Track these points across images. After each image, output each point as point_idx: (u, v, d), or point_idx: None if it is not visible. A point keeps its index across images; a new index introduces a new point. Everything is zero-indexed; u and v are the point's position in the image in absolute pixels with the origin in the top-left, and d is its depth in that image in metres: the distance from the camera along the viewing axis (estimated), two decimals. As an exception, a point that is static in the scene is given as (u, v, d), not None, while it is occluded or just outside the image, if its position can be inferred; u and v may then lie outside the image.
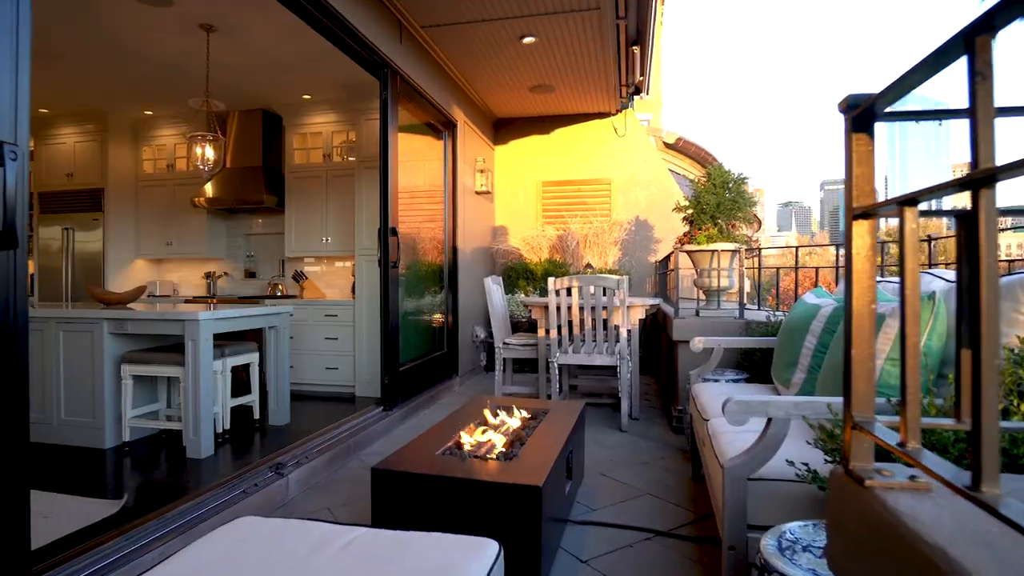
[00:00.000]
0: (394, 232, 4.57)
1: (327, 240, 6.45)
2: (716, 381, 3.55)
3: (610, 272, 6.99)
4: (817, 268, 4.73)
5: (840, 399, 1.70)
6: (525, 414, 3.04)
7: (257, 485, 2.91)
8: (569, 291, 4.58)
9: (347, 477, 3.47)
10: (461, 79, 6.40)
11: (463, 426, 2.81)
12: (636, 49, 5.85)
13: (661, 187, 7.74)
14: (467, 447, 2.51)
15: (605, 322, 4.63)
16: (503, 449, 2.50)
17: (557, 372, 4.60)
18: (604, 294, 4.54)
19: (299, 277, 6.69)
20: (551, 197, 8.02)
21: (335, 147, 6.43)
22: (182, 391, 3.81)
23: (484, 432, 2.71)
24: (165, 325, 3.88)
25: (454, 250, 6.32)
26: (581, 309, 4.62)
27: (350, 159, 6.26)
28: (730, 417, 1.70)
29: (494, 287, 5.27)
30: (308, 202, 6.50)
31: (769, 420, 1.70)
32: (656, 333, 6.42)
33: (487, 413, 3.00)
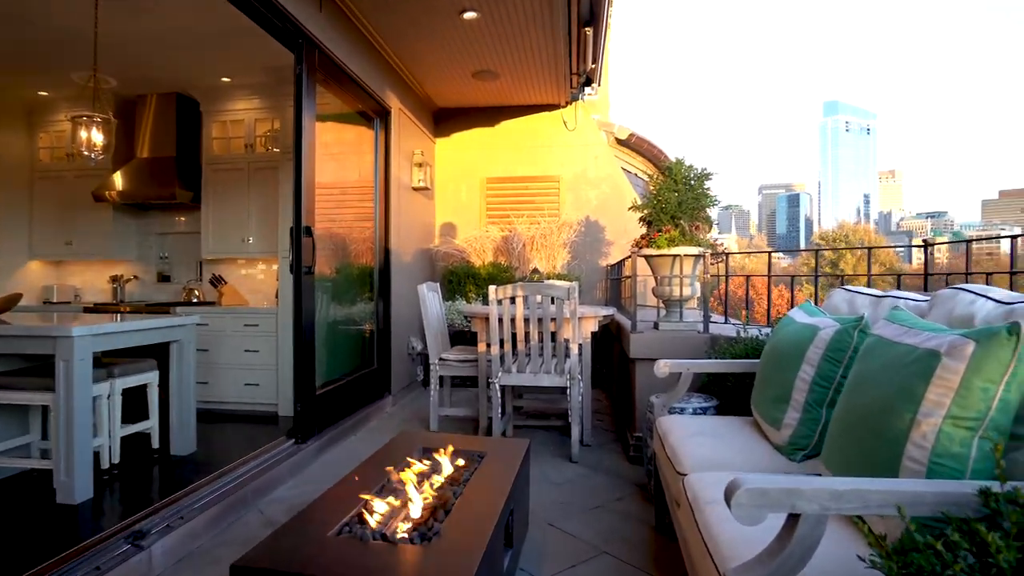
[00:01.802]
0: (308, 232, 3.88)
1: (249, 240, 5.69)
2: (681, 411, 3.04)
3: (558, 277, 6.47)
4: (793, 277, 4.30)
5: (911, 484, 1.18)
6: (459, 461, 2.44)
7: (100, 569, 2.20)
8: (513, 300, 4.00)
9: (241, 538, 2.78)
10: (396, 60, 5.73)
11: (378, 479, 2.19)
12: (589, 31, 5.33)
13: (613, 186, 7.27)
14: (374, 518, 1.89)
15: (553, 336, 4.08)
16: (422, 521, 1.89)
17: (499, 394, 4.01)
18: (552, 304, 3.99)
19: (217, 282, 5.88)
20: (496, 195, 7.43)
21: (258, 136, 5.68)
22: (52, 422, 3.07)
23: (401, 493, 2.09)
24: (30, 343, 3.13)
25: (386, 252, 5.65)
26: (527, 321, 4.05)
27: (274, 150, 5.52)
28: (740, 513, 1.15)
29: (429, 295, 4.64)
30: (228, 198, 5.71)
31: (797, 517, 1.15)
32: (608, 343, 5.93)
33: (412, 460, 2.39)
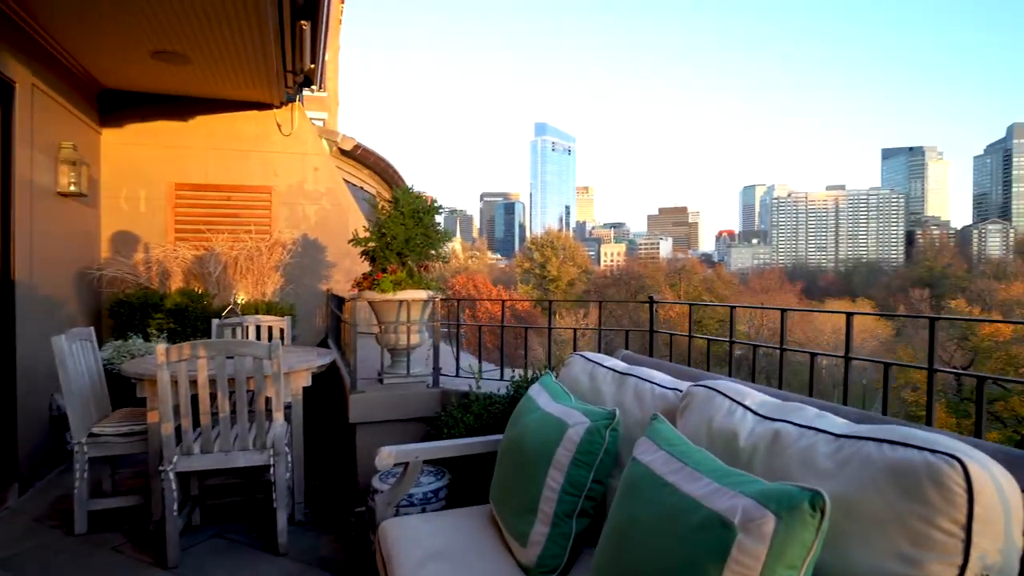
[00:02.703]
0: None
1: None
2: (409, 500, 2.56)
3: (269, 306, 5.51)
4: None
5: None
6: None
7: None
8: (194, 359, 3.08)
9: None
10: (25, 15, 4.18)
11: None
12: (306, 25, 4.56)
13: (335, 201, 6.54)
14: None
15: (253, 399, 3.26)
16: None
17: (174, 484, 3.03)
18: (252, 362, 3.17)
19: None
20: (189, 205, 6.10)
21: None
22: None
23: None
24: None
25: (7, 281, 4.08)
26: (213, 381, 3.16)
27: None
28: None
29: (70, 348, 3.38)
30: None
31: None
32: (331, 379, 5.20)
33: None
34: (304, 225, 6.37)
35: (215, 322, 4.40)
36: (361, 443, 3.24)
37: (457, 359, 3.64)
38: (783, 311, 2.29)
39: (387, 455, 2.29)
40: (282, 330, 4.70)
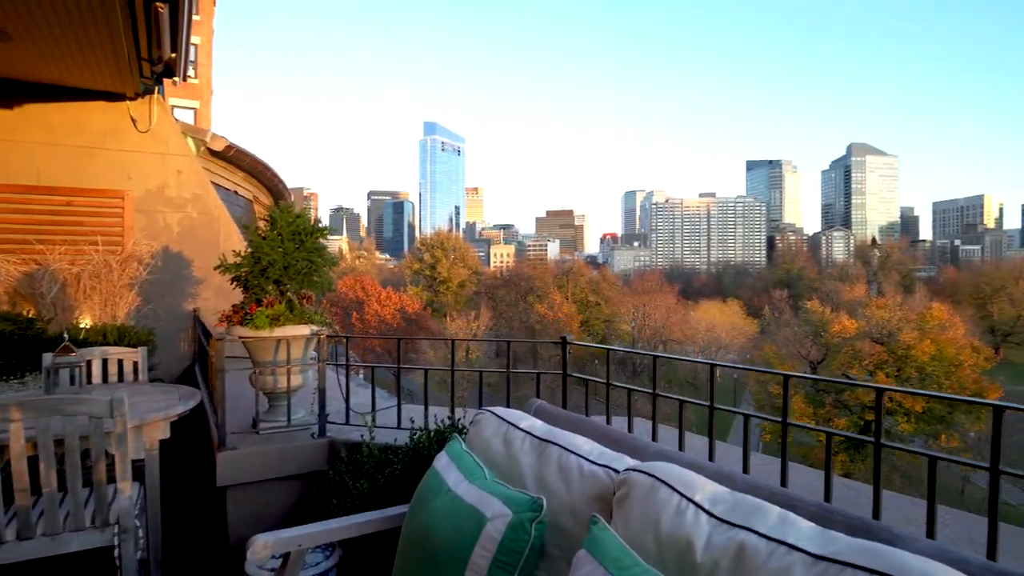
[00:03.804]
0: None
1: None
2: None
3: (121, 331, 4.72)
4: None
5: None
6: None
7: None
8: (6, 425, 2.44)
9: None
10: None
11: None
12: (163, 8, 3.91)
13: (203, 208, 5.80)
14: None
15: (90, 468, 2.66)
16: None
17: (-22, 584, 2.39)
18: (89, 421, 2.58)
19: None
20: (14, 211, 5.12)
21: None
22: None
23: None
24: None
25: None
26: (34, 444, 2.53)
27: None
28: None
29: None
30: None
31: None
32: (199, 421, 4.53)
33: None
34: (165, 236, 5.58)
35: (46, 359, 3.63)
36: (233, 510, 2.74)
37: (347, 396, 3.21)
38: (786, 376, 2.08)
39: (262, 547, 1.86)
40: (136, 363, 4.00)
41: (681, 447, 2.34)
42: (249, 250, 3.12)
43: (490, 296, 69.24)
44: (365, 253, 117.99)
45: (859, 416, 33.30)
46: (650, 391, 2.41)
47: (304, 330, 2.96)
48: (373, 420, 2.84)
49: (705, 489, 1.38)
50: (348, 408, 3.09)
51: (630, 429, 2.56)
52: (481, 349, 45.85)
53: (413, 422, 2.78)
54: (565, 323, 57.69)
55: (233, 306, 3.02)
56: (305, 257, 3.11)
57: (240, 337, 2.93)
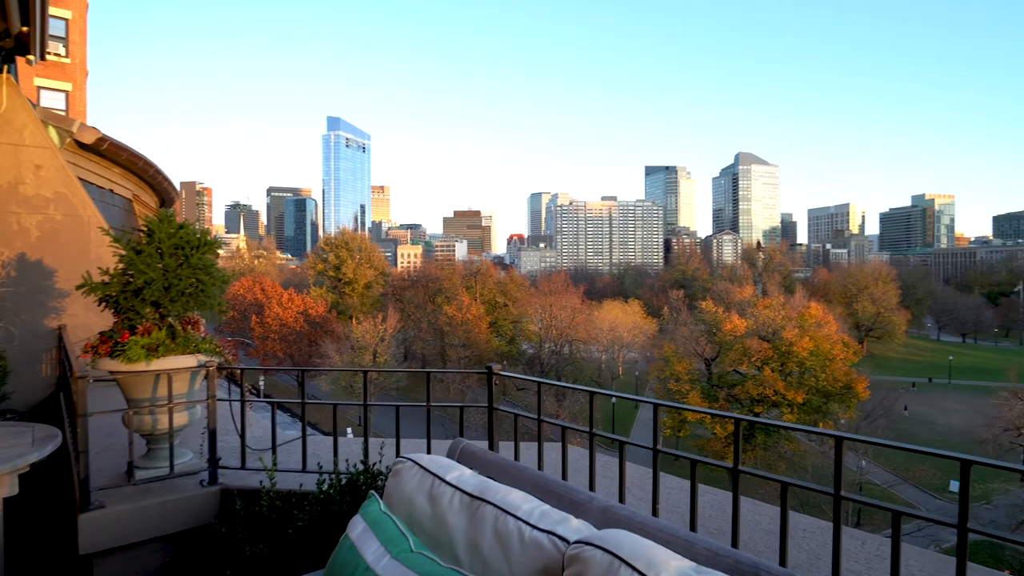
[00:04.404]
0: None
1: None
2: None
3: (-39, 356, 3.99)
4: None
5: None
6: None
7: None
8: None
9: None
10: None
11: None
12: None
13: (69, 210, 5.07)
14: None
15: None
16: None
17: None
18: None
19: None
20: None
21: None
22: None
23: None
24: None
25: None
26: None
27: None
28: None
29: None
30: None
31: None
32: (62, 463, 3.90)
33: None
34: (21, 242, 4.81)
35: None
36: (98, 579, 2.30)
37: (243, 434, 2.80)
38: (839, 439, 1.91)
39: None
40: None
41: (622, 496, 2.17)
42: (120, 266, 2.67)
43: (397, 297, 67.72)
44: (265, 253, 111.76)
45: (749, 409, 35.66)
46: (585, 429, 2.24)
47: (189, 361, 2.55)
48: (274, 463, 2.48)
49: (669, 567, 1.21)
50: (244, 448, 2.69)
51: (564, 471, 2.37)
52: (388, 352, 44.67)
53: (321, 467, 2.46)
54: (473, 324, 57.52)
55: (101, 334, 2.56)
56: (191, 275, 2.70)
57: (110, 372, 2.48)
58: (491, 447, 2.50)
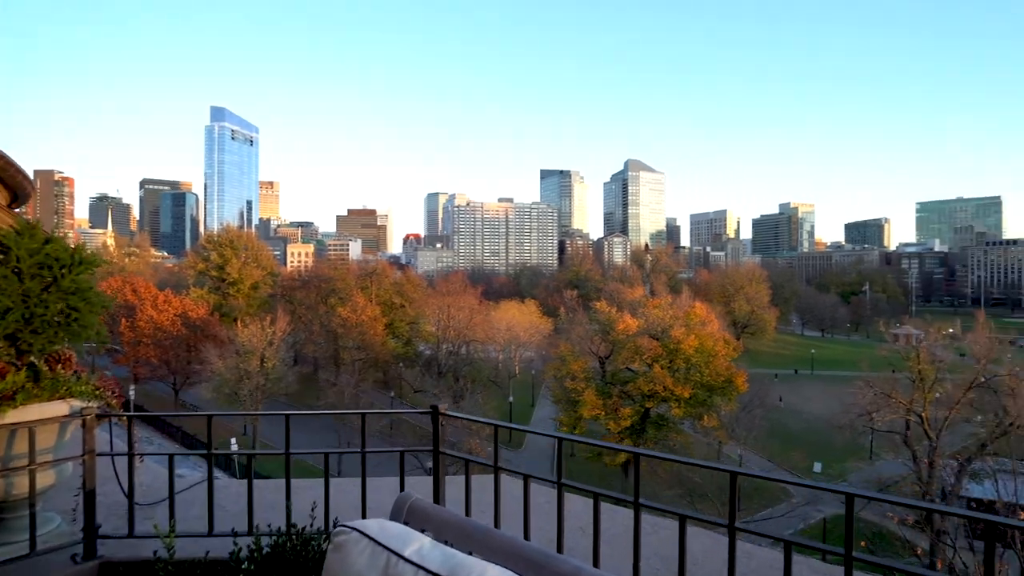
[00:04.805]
0: None
1: None
2: None
3: None
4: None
5: None
6: None
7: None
8: None
9: None
10: None
11: None
12: None
13: None
14: None
15: None
16: None
17: None
18: None
19: None
20: None
21: None
22: None
23: None
24: None
25: None
26: None
27: None
28: None
29: None
30: None
31: None
32: None
33: None
34: None
35: None
36: None
37: (130, 493, 2.29)
38: (850, 496, 1.73)
39: None
40: None
41: (596, 560, 1.95)
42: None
43: (287, 299, 64.27)
44: (137, 250, 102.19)
45: (640, 404, 37.25)
46: (552, 481, 2.00)
47: (58, 409, 2.07)
48: (172, 527, 2.06)
49: None
50: (132, 509, 2.20)
51: (526, 528, 2.10)
52: (278, 356, 42.15)
53: (235, 530, 2.07)
54: (369, 326, 55.76)
55: (-67, 378, 2.00)
56: (60, 301, 2.20)
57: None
58: (437, 498, 2.22)
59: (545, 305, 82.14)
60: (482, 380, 52.91)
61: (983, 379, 29.80)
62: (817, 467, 40.44)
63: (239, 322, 45.54)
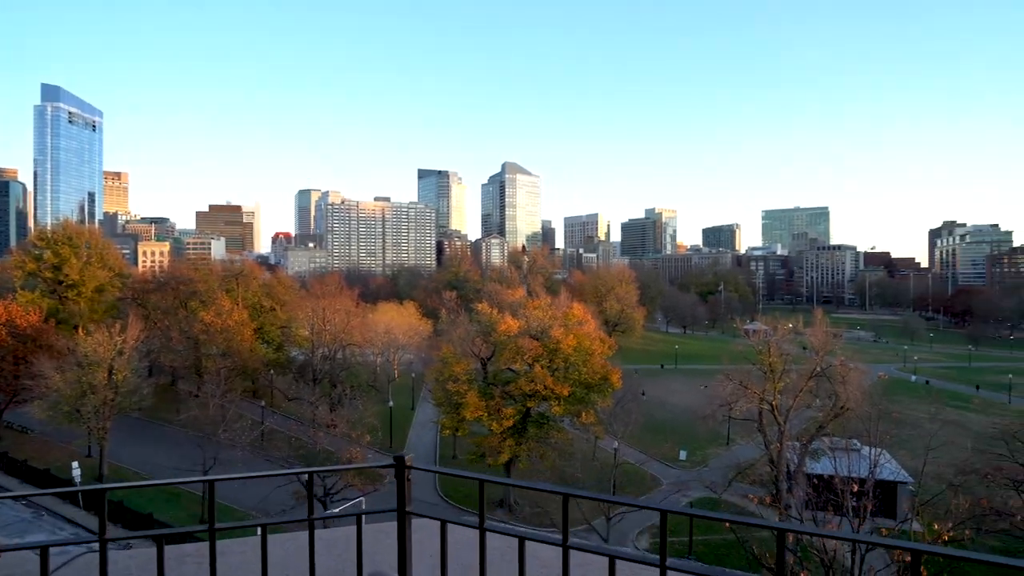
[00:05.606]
0: None
1: None
2: None
3: None
4: None
5: None
6: None
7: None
8: None
9: None
10: None
11: None
12: None
13: None
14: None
15: None
16: None
17: None
18: None
19: None
20: None
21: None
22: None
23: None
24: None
25: None
26: None
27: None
28: None
29: None
30: None
31: None
32: None
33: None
34: None
35: None
36: None
37: None
38: (916, 552, 1.68)
39: None
40: None
41: None
42: None
43: (140, 303, 58.23)
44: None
45: (522, 404, 37.91)
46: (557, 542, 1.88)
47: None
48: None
49: None
50: None
51: None
52: (129, 367, 37.87)
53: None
54: (235, 331, 51.95)
55: None
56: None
57: None
58: (403, 567, 1.98)
59: (424, 306, 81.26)
60: (361, 385, 51.19)
61: (820, 369, 33.74)
62: (683, 455, 43.64)
63: (81, 329, 40.32)
